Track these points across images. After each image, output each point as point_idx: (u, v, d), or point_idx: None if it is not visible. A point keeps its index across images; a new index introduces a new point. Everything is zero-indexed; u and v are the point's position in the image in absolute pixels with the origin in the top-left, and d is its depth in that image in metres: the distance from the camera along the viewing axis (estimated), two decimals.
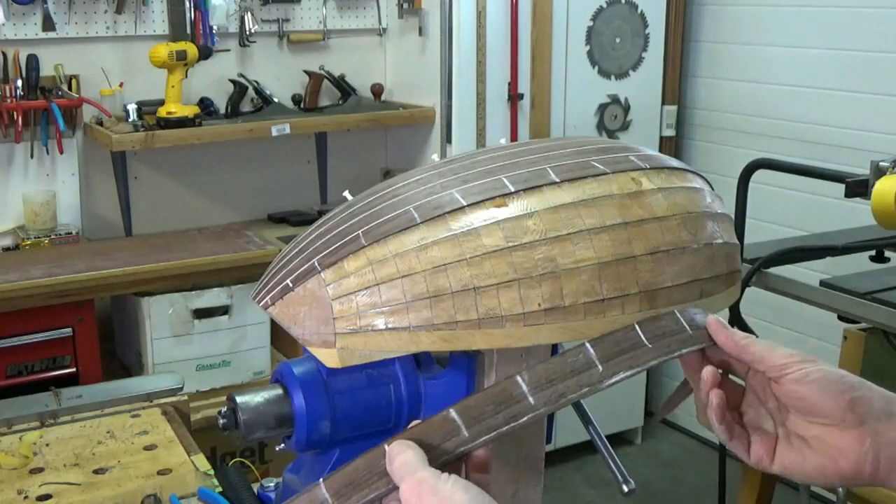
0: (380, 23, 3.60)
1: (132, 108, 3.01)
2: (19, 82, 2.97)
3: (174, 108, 3.02)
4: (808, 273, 2.54)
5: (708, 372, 0.80)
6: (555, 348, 0.96)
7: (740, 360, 0.80)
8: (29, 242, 2.99)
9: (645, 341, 0.81)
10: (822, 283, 2.28)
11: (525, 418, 0.77)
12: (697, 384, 0.82)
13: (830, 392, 0.74)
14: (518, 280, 0.84)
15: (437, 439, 0.75)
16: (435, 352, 1.03)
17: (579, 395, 0.78)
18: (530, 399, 0.77)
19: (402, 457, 0.71)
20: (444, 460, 0.74)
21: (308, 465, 1.04)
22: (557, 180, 0.89)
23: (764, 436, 0.80)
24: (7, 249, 3.00)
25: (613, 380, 0.78)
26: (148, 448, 1.53)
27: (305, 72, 3.46)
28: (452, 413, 0.77)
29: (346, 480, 0.74)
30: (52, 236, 3.02)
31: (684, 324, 0.83)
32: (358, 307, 0.84)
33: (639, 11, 3.49)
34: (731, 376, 0.83)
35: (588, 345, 0.80)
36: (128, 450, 1.52)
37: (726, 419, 0.80)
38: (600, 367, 0.78)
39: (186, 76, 3.06)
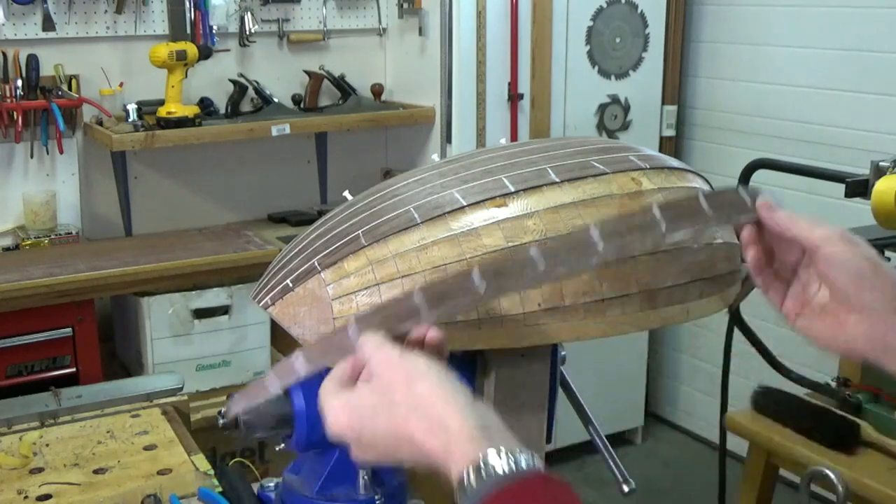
0: (380, 23, 3.60)
1: (132, 108, 3.00)
2: (19, 82, 2.97)
3: (174, 108, 3.02)
4: None
5: (746, 232, 0.89)
6: (555, 348, 0.96)
7: (785, 238, 0.88)
8: (29, 242, 2.99)
9: (706, 208, 0.86)
10: None
11: (593, 260, 0.80)
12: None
13: (849, 278, 0.84)
14: None
15: (514, 272, 0.78)
16: None
17: (643, 249, 0.84)
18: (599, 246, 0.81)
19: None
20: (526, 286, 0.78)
21: (308, 465, 1.04)
22: (557, 180, 0.89)
23: (799, 296, 0.89)
24: (7, 249, 2.99)
25: (675, 236, 0.84)
26: (148, 448, 1.53)
27: (305, 72, 3.46)
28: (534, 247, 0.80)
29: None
30: (52, 236, 3.02)
31: (745, 198, 0.90)
32: (358, 307, 0.84)
33: (639, 11, 3.49)
34: None
35: (656, 207, 0.85)
36: (128, 450, 1.52)
37: (763, 272, 0.90)
38: (664, 226, 0.83)
39: (186, 76, 3.05)
